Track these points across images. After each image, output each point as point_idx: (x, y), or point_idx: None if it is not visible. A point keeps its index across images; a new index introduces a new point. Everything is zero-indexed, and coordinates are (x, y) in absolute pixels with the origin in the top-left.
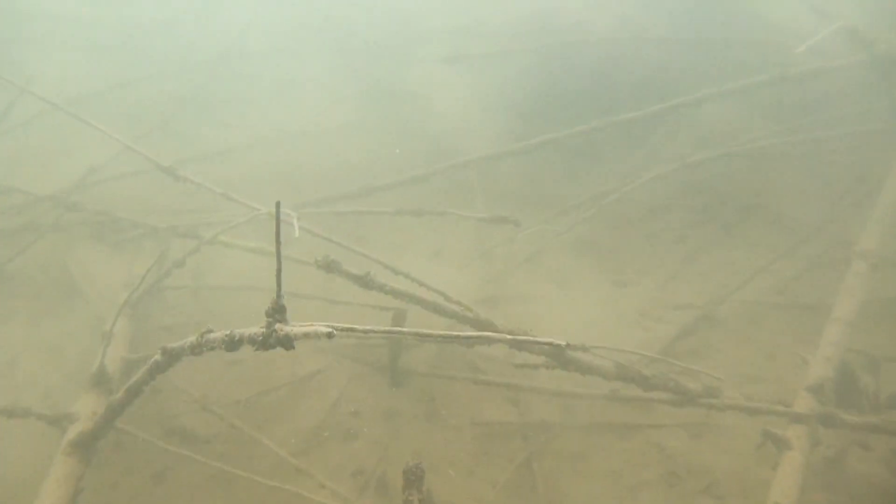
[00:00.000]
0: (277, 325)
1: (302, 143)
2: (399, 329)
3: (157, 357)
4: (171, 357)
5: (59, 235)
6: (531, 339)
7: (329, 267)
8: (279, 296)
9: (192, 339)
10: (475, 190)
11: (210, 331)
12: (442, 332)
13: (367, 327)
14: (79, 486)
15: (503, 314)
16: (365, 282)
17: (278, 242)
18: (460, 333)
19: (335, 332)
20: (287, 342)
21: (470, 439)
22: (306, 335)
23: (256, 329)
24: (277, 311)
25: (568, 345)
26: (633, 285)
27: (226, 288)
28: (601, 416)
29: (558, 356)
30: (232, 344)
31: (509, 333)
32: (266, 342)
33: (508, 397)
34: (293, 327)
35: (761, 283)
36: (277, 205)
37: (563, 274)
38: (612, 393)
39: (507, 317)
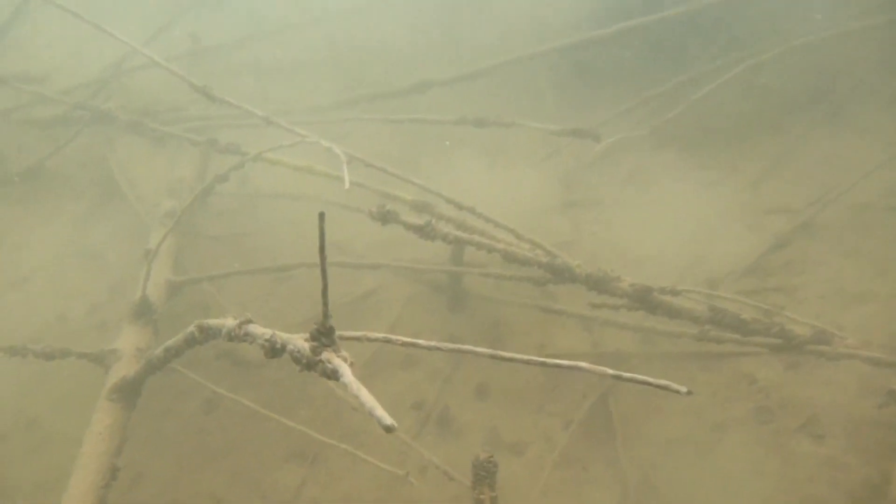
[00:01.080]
0: (325, 355)
1: (355, 21)
2: (461, 347)
3: (194, 332)
4: (207, 335)
5: (97, 129)
6: (593, 368)
7: (385, 218)
8: (326, 316)
9: (230, 323)
10: (543, 89)
11: (250, 321)
12: (505, 354)
13: (431, 343)
14: (124, 436)
15: (576, 223)
16: (426, 232)
17: (323, 258)
18: (524, 357)
19: (392, 340)
20: (334, 375)
21: (538, 371)
22: (353, 364)
23: (301, 342)
24: (325, 335)
25: (620, 375)
26: (721, 185)
27: (272, 196)
28: (684, 345)
29: (643, 298)
30: (273, 351)
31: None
32: (310, 367)
33: (581, 325)
34: (341, 358)
35: (872, 183)
36: (321, 217)
37: (642, 173)
38: (702, 333)
39: (580, 228)
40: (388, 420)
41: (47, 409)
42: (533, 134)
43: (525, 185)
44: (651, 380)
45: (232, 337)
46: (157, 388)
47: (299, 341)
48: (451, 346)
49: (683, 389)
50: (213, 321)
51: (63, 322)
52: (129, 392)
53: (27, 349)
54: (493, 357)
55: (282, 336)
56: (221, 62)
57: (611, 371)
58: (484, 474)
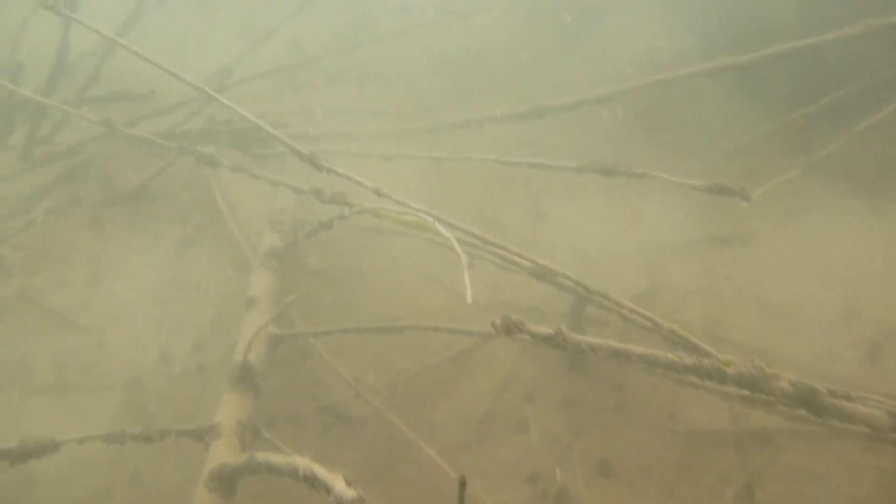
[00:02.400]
0: None
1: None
2: None
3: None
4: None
5: (201, 146)
6: None
7: (510, 330)
8: None
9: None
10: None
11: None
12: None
13: None
14: None
15: (707, 264)
16: (556, 342)
17: None
18: None
19: None
20: None
21: (668, 444)
22: None
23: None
24: None
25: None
26: (888, 215)
27: (379, 231)
28: None
29: (808, 401)
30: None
31: None
32: None
33: (719, 394)
34: None
35: None
36: (462, 484)
37: (788, 200)
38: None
39: (712, 271)
40: None
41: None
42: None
43: (648, 217)
44: None
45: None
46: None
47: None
48: None
49: None
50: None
51: (166, 363)
52: (228, 480)
53: (125, 435)
54: None
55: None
56: (324, 70)
57: None
58: None
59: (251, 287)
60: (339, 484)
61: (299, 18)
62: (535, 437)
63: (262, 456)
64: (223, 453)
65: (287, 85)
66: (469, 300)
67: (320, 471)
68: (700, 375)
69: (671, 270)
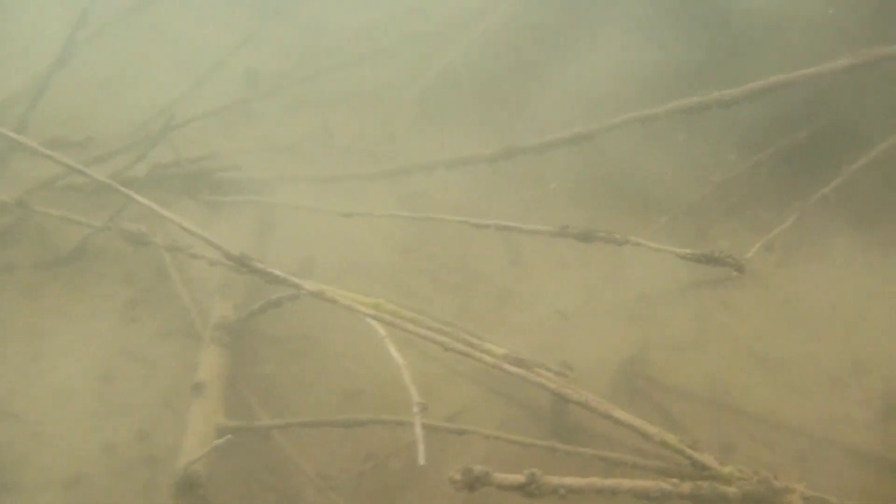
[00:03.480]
0: None
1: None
2: None
3: None
4: None
5: (148, 194)
6: None
7: (473, 485)
8: None
9: None
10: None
11: None
12: None
13: None
14: None
15: (700, 311)
16: (530, 491)
17: None
18: None
19: None
20: None
21: None
22: None
23: None
24: None
25: None
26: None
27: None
28: None
29: None
30: None
31: None
32: None
33: None
34: None
35: None
36: None
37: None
38: None
39: (706, 319)
40: None
41: None
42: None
43: (630, 263)
44: None
45: None
46: None
47: None
48: None
49: None
50: None
51: (110, 454)
52: None
53: None
54: None
55: None
56: (281, 100)
57: None
58: None
59: (199, 369)
60: None
61: (251, 47)
62: None
63: None
64: None
65: (241, 119)
66: (422, 462)
67: None
68: (701, 502)
69: (661, 322)
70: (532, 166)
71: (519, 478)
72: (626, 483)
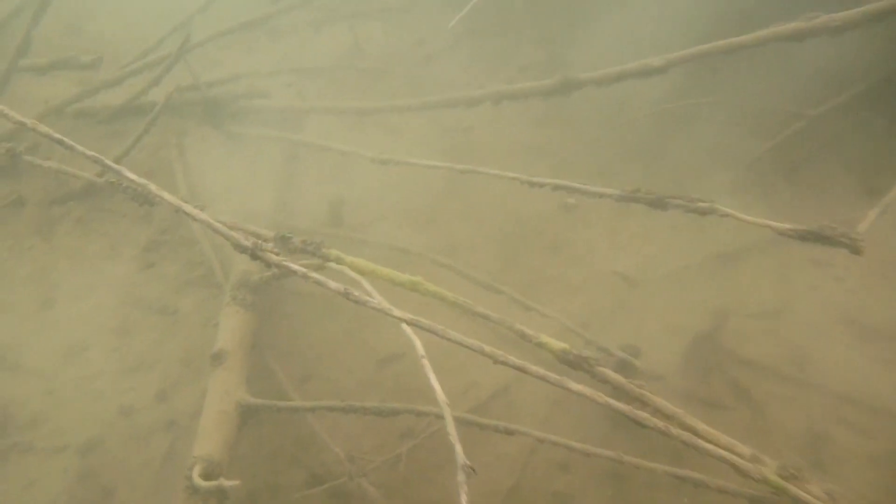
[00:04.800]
0: None
1: None
2: None
3: None
4: None
5: (166, 121)
6: None
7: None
8: None
9: None
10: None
11: None
12: None
13: None
14: None
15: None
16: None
17: None
18: None
19: None
20: None
21: None
22: None
23: None
24: None
25: None
26: None
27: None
28: None
29: None
30: None
31: None
32: None
33: None
34: None
35: None
36: None
37: None
38: None
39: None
40: None
41: None
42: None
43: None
44: None
45: None
46: None
47: None
48: None
49: None
50: None
51: (127, 417)
52: None
53: None
54: None
55: None
56: (308, 11)
57: None
58: None
59: (218, 334)
60: None
61: None
62: None
63: None
64: None
65: (266, 38)
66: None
67: None
68: None
69: (740, 285)
70: (584, 105)
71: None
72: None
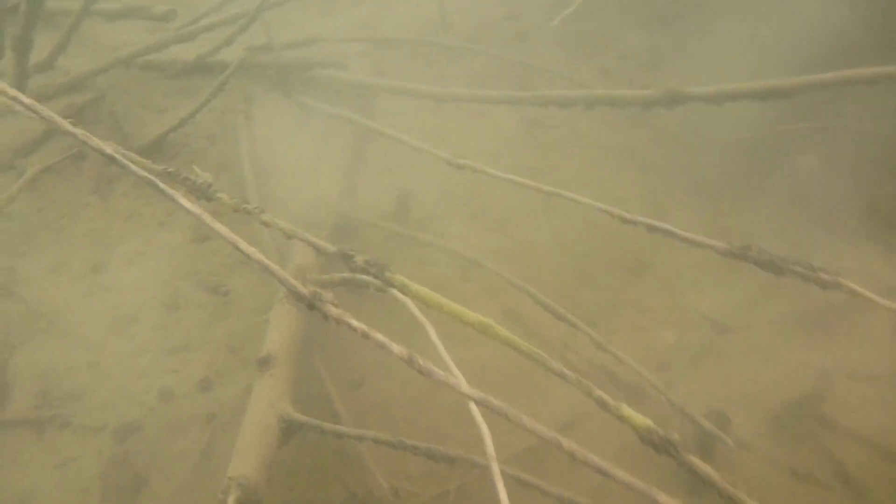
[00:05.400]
0: None
1: None
2: None
3: None
4: None
5: (233, 82)
6: None
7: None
8: None
9: None
10: None
11: None
12: None
13: None
14: None
15: None
16: None
17: None
18: None
19: None
20: None
21: None
22: None
23: None
24: None
25: None
26: None
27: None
28: None
29: None
30: None
31: None
32: None
33: None
34: None
35: None
36: None
37: None
38: None
39: None
40: None
41: None
42: None
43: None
44: None
45: None
46: None
47: None
48: None
49: None
50: None
51: (168, 403)
52: None
53: None
54: None
55: None
56: None
57: None
58: None
59: (268, 334)
60: None
61: None
62: None
63: None
64: None
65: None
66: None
67: None
68: None
69: (844, 340)
70: (684, 111)
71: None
72: None
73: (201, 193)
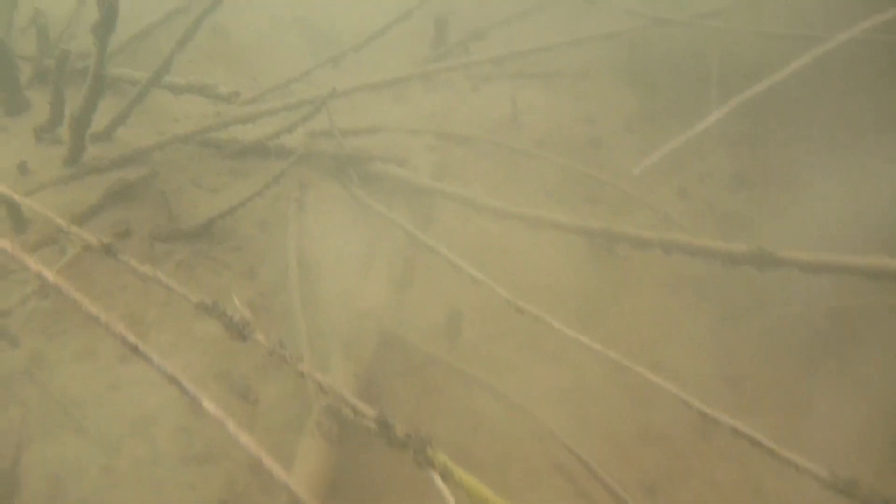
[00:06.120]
0: None
1: None
2: None
3: None
4: None
5: (294, 167)
6: None
7: None
8: None
9: None
10: None
11: None
12: None
13: None
14: None
15: None
16: None
17: None
18: None
19: None
20: None
21: None
22: None
23: None
24: None
25: None
26: None
27: None
28: None
29: None
30: None
31: None
32: None
33: None
34: None
35: None
36: None
37: None
38: None
39: None
40: None
41: None
42: None
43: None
44: None
45: None
46: None
47: None
48: None
49: None
50: None
51: None
52: None
53: None
54: None
55: None
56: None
57: None
58: None
59: (294, 467)
60: None
61: None
62: None
63: None
64: None
65: (414, 83)
66: None
67: None
68: None
69: None
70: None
71: None
72: None
73: (237, 332)
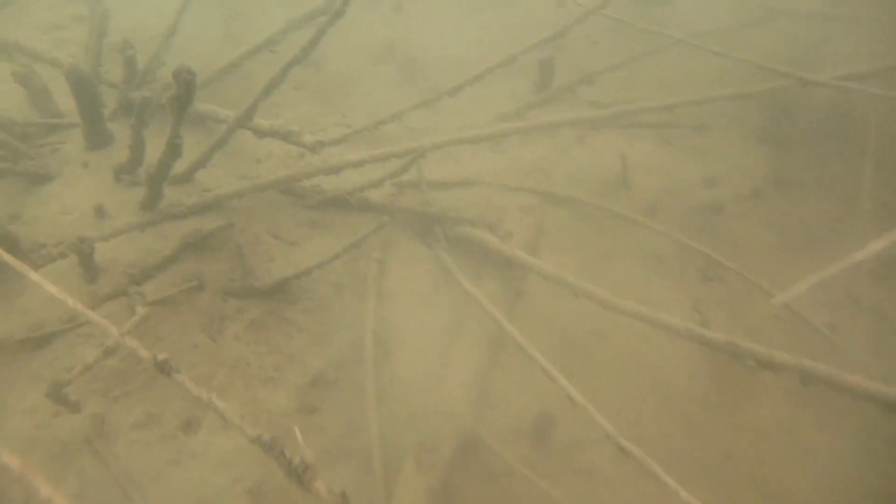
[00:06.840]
0: None
1: None
2: None
3: None
4: None
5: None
6: None
7: None
8: None
9: None
10: None
11: None
12: None
13: None
14: None
15: None
16: None
17: None
18: None
19: None
20: None
21: None
22: None
23: None
24: None
25: None
26: None
27: None
28: None
29: None
30: None
31: None
32: None
33: None
34: None
35: None
36: None
37: None
38: None
39: None
40: None
41: None
42: None
43: None
44: None
45: None
46: None
47: None
48: None
49: None
50: None
51: None
52: None
53: None
54: None
55: None
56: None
57: None
58: None
59: None
60: None
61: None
62: None
63: None
64: None
65: (519, 155)
66: None
67: None
68: None
69: None
70: None
71: None
72: None
73: (296, 477)
